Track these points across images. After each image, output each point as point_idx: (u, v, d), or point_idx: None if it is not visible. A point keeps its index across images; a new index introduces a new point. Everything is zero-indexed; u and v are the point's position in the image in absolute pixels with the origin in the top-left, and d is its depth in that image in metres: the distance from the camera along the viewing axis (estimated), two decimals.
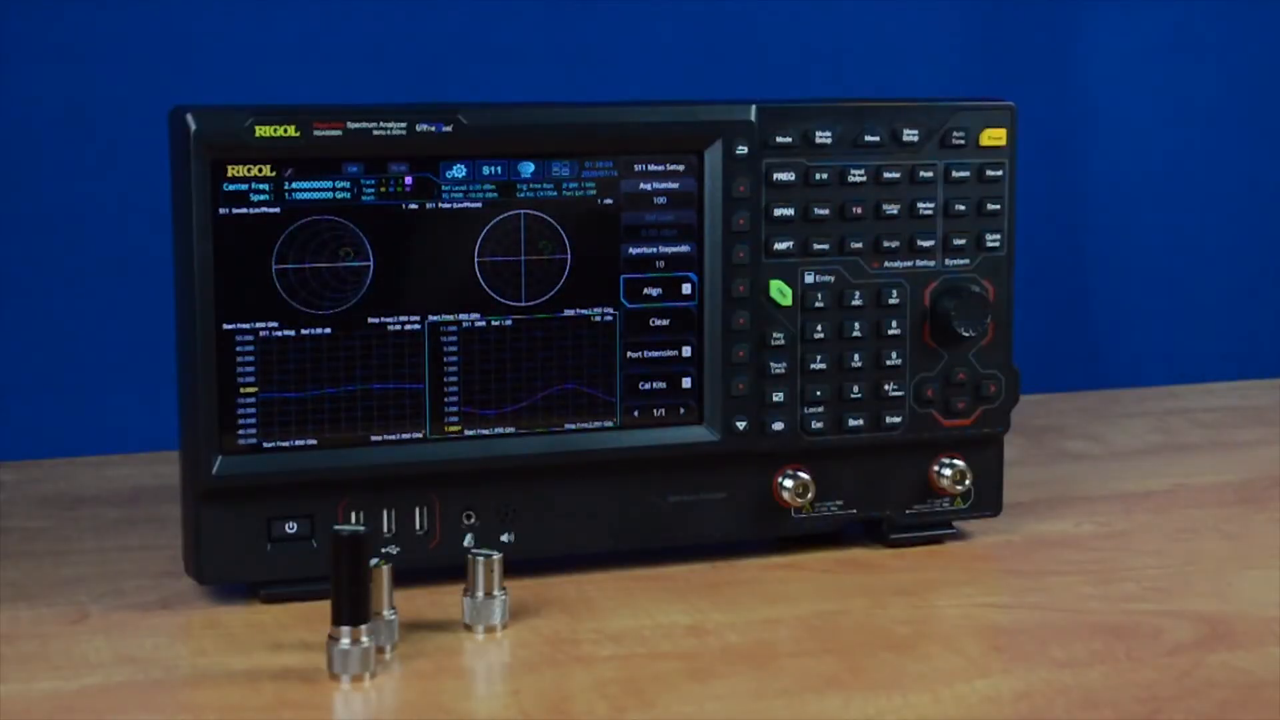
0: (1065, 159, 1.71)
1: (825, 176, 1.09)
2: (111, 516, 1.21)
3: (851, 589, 1.06)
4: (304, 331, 1.01)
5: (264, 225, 1.00)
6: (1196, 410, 1.57)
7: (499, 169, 1.04)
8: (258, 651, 0.95)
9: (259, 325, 1.01)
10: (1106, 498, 1.27)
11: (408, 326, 1.03)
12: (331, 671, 0.90)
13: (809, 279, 1.09)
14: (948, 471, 1.14)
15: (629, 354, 1.07)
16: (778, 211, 1.08)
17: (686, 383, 1.09)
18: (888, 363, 1.11)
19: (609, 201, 1.06)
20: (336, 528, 0.90)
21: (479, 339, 1.04)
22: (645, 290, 1.07)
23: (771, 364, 1.09)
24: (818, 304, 1.09)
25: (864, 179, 1.10)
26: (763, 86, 1.50)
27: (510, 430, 1.06)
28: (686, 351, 1.08)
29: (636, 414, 1.08)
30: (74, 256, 1.44)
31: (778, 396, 1.09)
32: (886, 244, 1.10)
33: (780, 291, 1.09)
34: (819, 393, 1.10)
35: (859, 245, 1.10)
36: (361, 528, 0.92)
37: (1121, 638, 0.97)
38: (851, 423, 1.11)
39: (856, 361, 1.11)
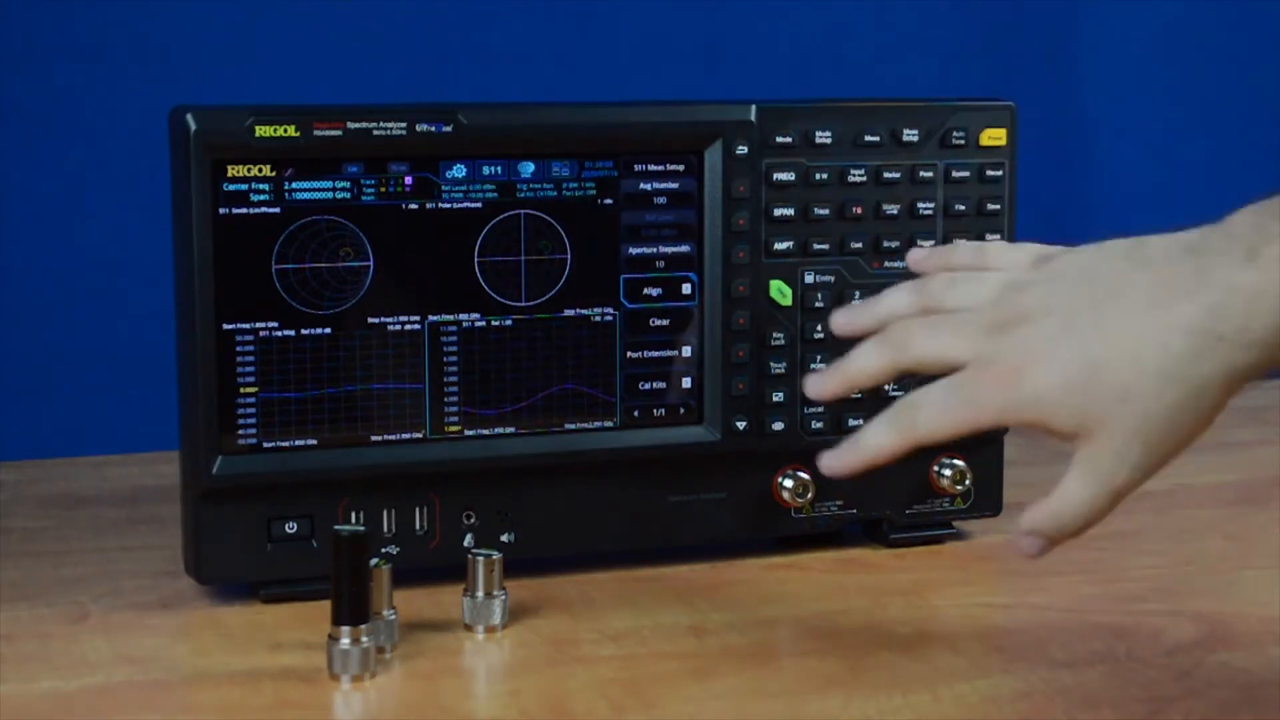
0: (1065, 159, 1.71)
1: (825, 176, 1.09)
2: (111, 516, 1.21)
3: (851, 589, 1.06)
4: (304, 331, 1.01)
5: (264, 225, 1.00)
6: None
7: (499, 169, 1.04)
8: (258, 651, 0.95)
9: (259, 325, 1.01)
10: None
11: (408, 326, 1.03)
12: (331, 671, 0.90)
13: (809, 279, 1.09)
14: (948, 471, 1.14)
15: (629, 354, 1.07)
16: (778, 211, 1.08)
17: (686, 383, 1.09)
18: None
19: (609, 201, 1.06)
20: (336, 528, 0.90)
21: (479, 339, 1.04)
22: (645, 290, 1.07)
23: (771, 364, 1.09)
24: (818, 304, 1.09)
25: (864, 179, 1.10)
26: (763, 86, 1.50)
27: (510, 430, 1.06)
28: (686, 351, 1.08)
29: (636, 414, 1.08)
30: (74, 256, 1.44)
31: (778, 396, 1.09)
32: (886, 244, 1.10)
33: (780, 291, 1.09)
34: None
35: (859, 245, 1.10)
36: (361, 528, 0.92)
37: (1121, 638, 0.97)
38: (851, 423, 1.11)
39: None
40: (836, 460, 0.87)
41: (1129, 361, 0.77)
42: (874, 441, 0.85)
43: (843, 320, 0.92)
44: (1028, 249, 0.88)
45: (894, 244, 1.10)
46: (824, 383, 0.90)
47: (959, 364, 0.83)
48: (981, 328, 0.82)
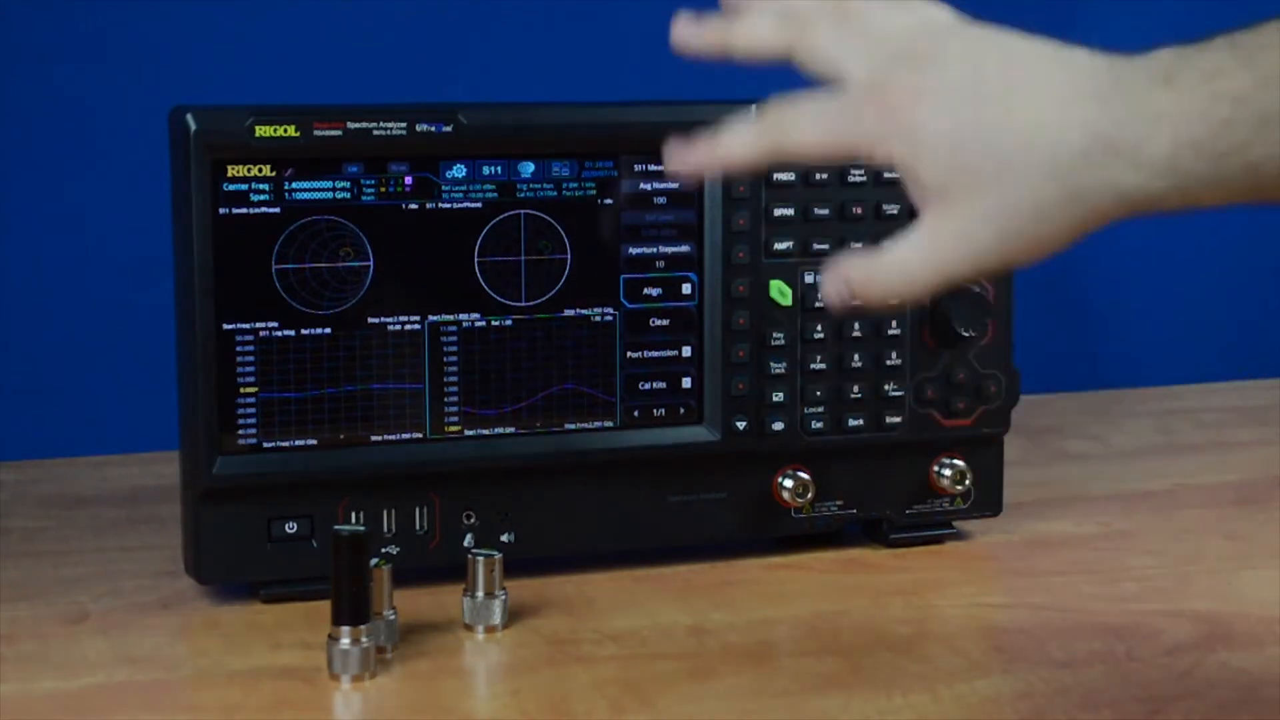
0: None
1: (825, 176, 1.09)
2: (111, 516, 1.21)
3: (851, 589, 1.06)
4: (304, 331, 1.01)
5: (264, 225, 1.00)
6: (1196, 410, 1.57)
7: (499, 169, 1.04)
8: (258, 651, 0.95)
9: (259, 325, 1.01)
10: (1106, 498, 1.27)
11: (408, 326, 1.03)
12: (331, 671, 0.90)
13: (809, 279, 1.09)
14: (948, 471, 1.14)
15: (629, 354, 1.07)
16: (778, 211, 1.08)
17: (686, 383, 1.09)
18: (888, 363, 1.11)
19: (609, 201, 1.06)
20: (336, 528, 0.90)
21: (479, 339, 1.04)
22: (645, 290, 1.07)
23: (771, 364, 1.09)
24: (818, 304, 1.09)
25: (864, 179, 1.10)
26: (762, 86, 1.50)
27: (510, 430, 1.06)
28: (686, 351, 1.08)
29: (636, 414, 1.08)
30: (74, 256, 1.44)
31: (778, 396, 1.09)
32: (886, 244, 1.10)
33: (780, 291, 1.09)
34: (819, 393, 1.10)
35: (859, 245, 1.10)
36: (361, 528, 0.92)
37: (1121, 638, 0.97)
38: (851, 423, 1.11)
39: (856, 361, 1.11)
40: (682, 155, 0.79)
41: (1021, 140, 0.74)
42: (734, 141, 0.79)
43: None
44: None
45: None
46: (702, 31, 0.83)
47: (850, 79, 0.78)
48: (889, 50, 0.78)
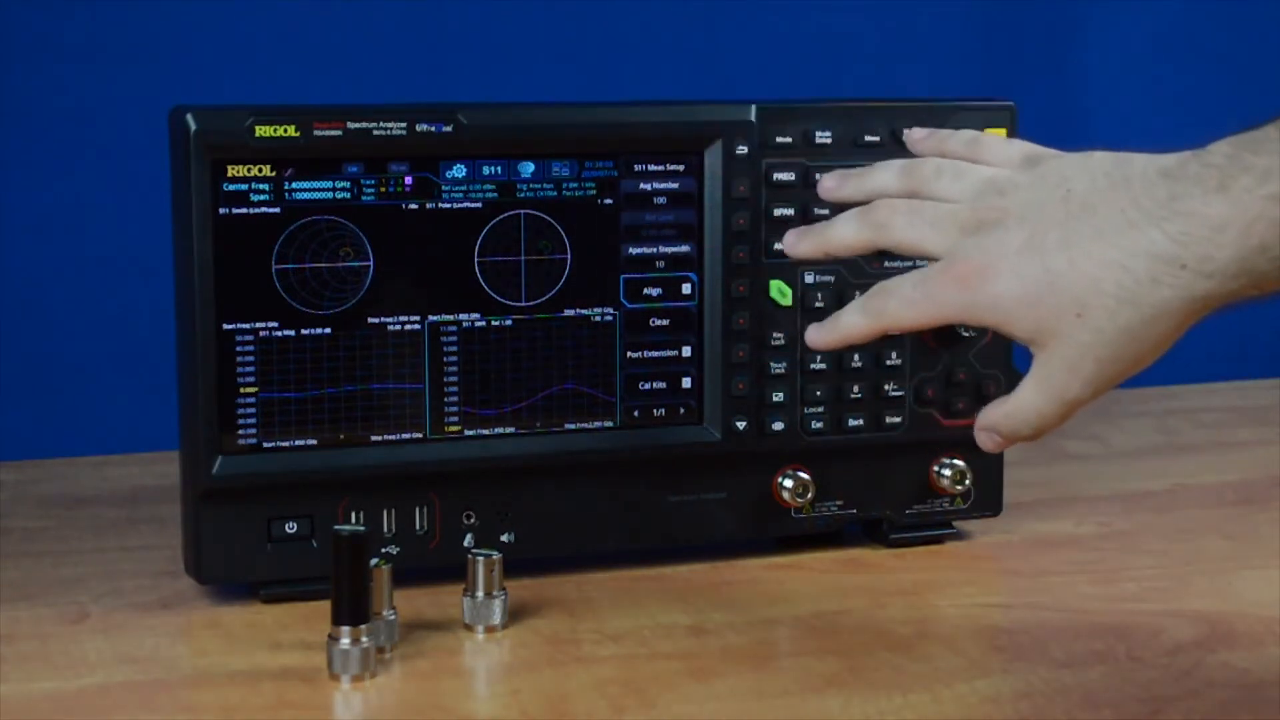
0: None
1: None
2: (111, 516, 1.21)
3: (851, 589, 1.06)
4: (304, 331, 1.01)
5: (264, 225, 1.00)
6: (1196, 410, 1.57)
7: (499, 169, 1.04)
8: (258, 651, 0.95)
9: (259, 325, 1.01)
10: (1106, 498, 1.27)
11: (408, 326, 1.03)
12: (331, 671, 0.90)
13: (809, 279, 1.09)
14: (948, 471, 1.14)
15: (629, 354, 1.07)
16: (778, 211, 1.08)
17: (686, 383, 1.09)
18: (888, 363, 1.11)
19: (609, 201, 1.06)
20: (336, 528, 0.90)
21: (479, 339, 1.04)
22: (645, 290, 1.07)
23: (771, 364, 1.09)
24: (818, 304, 1.09)
25: None
26: (763, 86, 1.50)
27: (510, 430, 1.06)
28: (686, 351, 1.08)
29: (636, 414, 1.08)
30: (74, 256, 1.44)
31: (778, 396, 1.09)
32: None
33: (780, 291, 1.09)
34: (819, 393, 1.10)
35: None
36: (361, 528, 0.92)
37: (1121, 638, 0.97)
38: (851, 423, 1.11)
39: (856, 361, 1.11)
40: (819, 335, 0.92)
41: (1088, 280, 0.79)
42: (848, 322, 0.90)
43: (831, 185, 0.96)
44: (1019, 147, 0.90)
45: None
46: (801, 242, 0.95)
47: (932, 256, 0.86)
48: (958, 224, 0.85)
